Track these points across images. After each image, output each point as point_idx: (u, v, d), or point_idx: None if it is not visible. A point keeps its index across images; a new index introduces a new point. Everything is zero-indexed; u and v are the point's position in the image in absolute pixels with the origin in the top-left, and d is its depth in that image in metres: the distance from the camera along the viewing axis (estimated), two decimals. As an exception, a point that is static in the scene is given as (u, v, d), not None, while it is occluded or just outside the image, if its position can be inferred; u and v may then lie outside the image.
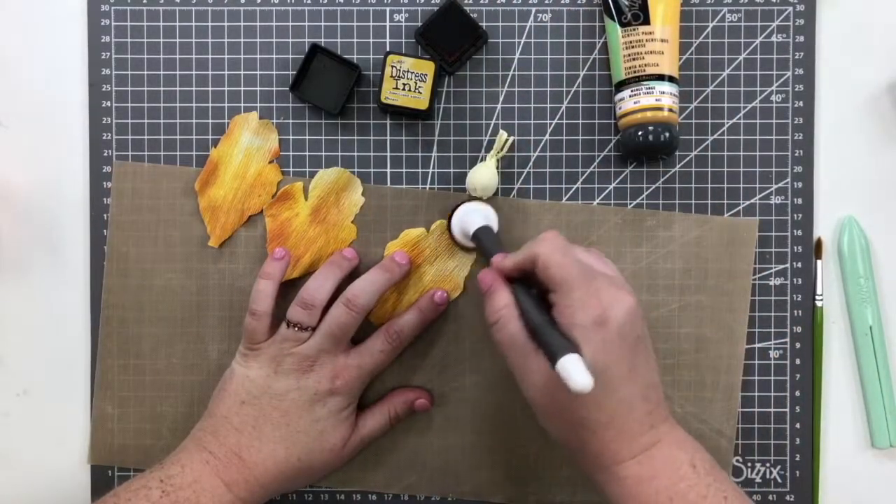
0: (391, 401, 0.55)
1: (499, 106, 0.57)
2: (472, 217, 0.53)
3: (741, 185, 0.56)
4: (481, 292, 0.48)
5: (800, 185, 0.57)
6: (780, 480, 0.57)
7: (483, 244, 0.51)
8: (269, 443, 0.50)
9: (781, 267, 0.57)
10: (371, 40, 0.57)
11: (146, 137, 0.57)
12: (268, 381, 0.51)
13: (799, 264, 0.57)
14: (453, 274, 0.56)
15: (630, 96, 0.54)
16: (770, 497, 0.57)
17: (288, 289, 0.56)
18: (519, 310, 0.45)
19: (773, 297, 0.57)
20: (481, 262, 0.56)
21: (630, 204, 0.56)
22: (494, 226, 0.53)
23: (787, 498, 0.57)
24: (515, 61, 0.56)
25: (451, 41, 0.54)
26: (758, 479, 0.57)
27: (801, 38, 0.56)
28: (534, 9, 0.56)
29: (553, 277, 0.44)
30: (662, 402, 0.45)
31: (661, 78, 0.53)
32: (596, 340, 0.42)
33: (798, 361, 0.57)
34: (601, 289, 0.43)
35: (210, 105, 0.57)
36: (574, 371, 0.39)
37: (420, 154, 0.57)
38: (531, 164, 0.57)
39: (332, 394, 0.51)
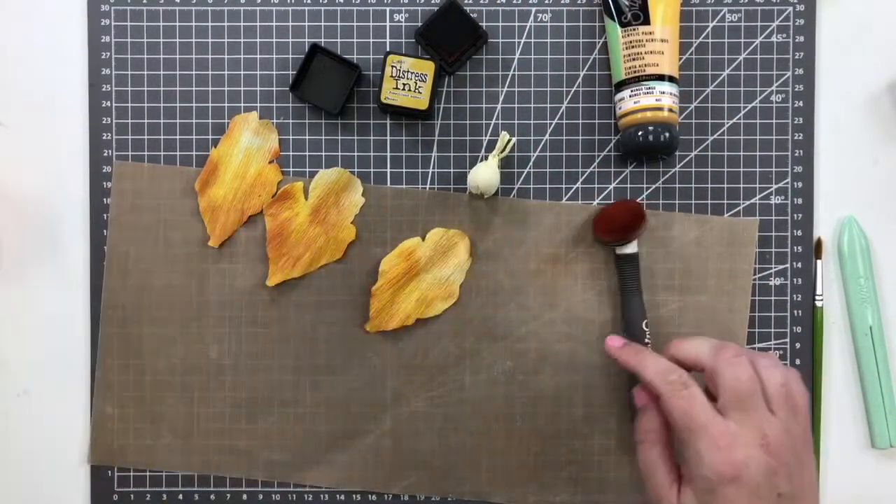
0: None
1: (499, 106, 0.57)
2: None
3: (741, 185, 0.56)
4: (634, 405, 0.49)
5: (800, 185, 0.57)
6: (780, 480, 0.57)
7: (625, 274, 0.54)
8: None
9: (781, 267, 0.57)
10: (371, 40, 0.57)
11: (146, 137, 0.57)
12: None
13: (799, 264, 0.57)
14: (449, 281, 0.56)
15: (630, 96, 0.54)
16: (770, 497, 0.57)
17: (288, 288, 0.56)
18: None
19: (773, 298, 0.57)
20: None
21: (630, 204, 0.57)
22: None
23: (787, 498, 0.57)
24: (515, 61, 0.56)
25: (451, 41, 0.54)
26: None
27: (801, 38, 0.56)
28: (534, 9, 0.56)
29: (677, 425, 0.43)
30: None
31: (661, 78, 0.53)
32: (727, 493, 0.41)
33: (798, 361, 0.57)
34: (735, 443, 0.42)
35: (210, 105, 0.57)
36: None
37: (420, 154, 0.57)
38: (531, 164, 0.57)
39: None
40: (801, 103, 0.56)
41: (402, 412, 0.57)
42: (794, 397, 0.43)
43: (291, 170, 0.57)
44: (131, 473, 0.57)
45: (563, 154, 0.57)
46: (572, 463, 0.56)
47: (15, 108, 0.57)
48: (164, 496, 0.57)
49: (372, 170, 0.57)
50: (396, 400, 0.57)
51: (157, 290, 0.57)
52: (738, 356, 0.44)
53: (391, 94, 0.53)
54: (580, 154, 0.57)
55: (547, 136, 0.57)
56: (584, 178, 0.57)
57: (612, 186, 0.57)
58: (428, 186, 0.57)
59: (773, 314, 0.57)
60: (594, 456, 0.56)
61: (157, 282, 0.57)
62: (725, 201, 0.56)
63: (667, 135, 0.53)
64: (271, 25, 0.57)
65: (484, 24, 0.56)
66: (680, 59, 0.56)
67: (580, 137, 0.57)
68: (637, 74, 0.53)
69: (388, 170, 0.57)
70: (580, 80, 0.57)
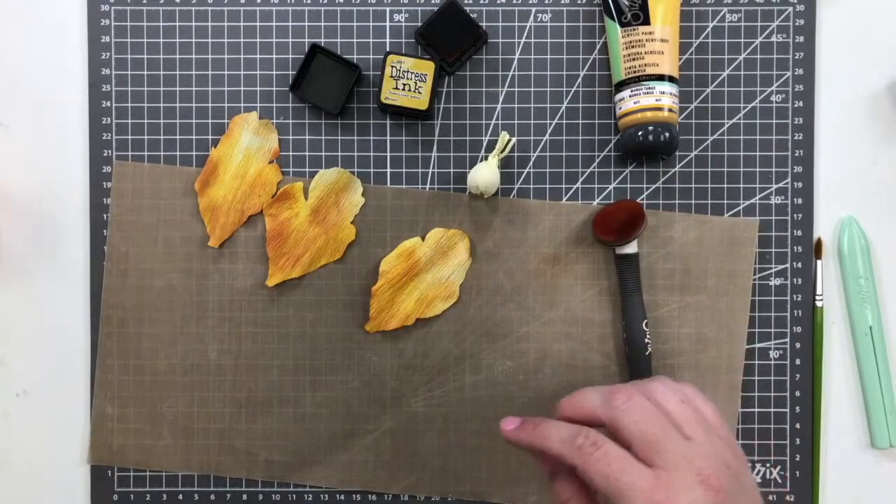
0: None
1: (499, 106, 0.57)
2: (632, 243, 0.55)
3: (741, 185, 0.56)
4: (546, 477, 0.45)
5: (800, 185, 0.57)
6: (780, 480, 0.57)
7: (625, 274, 0.55)
8: None
9: (781, 267, 0.57)
10: (371, 40, 0.57)
11: (146, 137, 0.57)
12: None
13: (799, 264, 0.57)
14: (449, 281, 0.56)
15: (630, 96, 0.54)
16: (770, 497, 0.57)
17: (288, 288, 0.56)
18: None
19: (773, 298, 0.57)
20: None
21: (630, 204, 0.57)
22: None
23: (787, 498, 0.57)
24: (515, 61, 0.56)
25: (451, 41, 0.54)
26: (758, 480, 0.57)
27: (801, 38, 0.56)
28: (534, 9, 0.56)
29: (605, 491, 0.38)
30: None
31: (661, 78, 0.53)
32: None
33: (798, 361, 0.57)
34: (672, 492, 0.37)
35: (210, 105, 0.57)
36: None
37: (420, 154, 0.57)
38: (531, 164, 0.57)
39: None
40: (801, 103, 0.56)
41: (401, 412, 0.57)
42: (701, 412, 0.41)
43: (291, 170, 0.57)
44: (131, 473, 0.57)
45: (563, 154, 0.57)
46: (572, 463, 0.56)
47: (15, 108, 0.57)
48: (164, 496, 0.57)
49: (372, 170, 0.57)
50: (396, 400, 0.57)
51: (156, 290, 0.57)
52: (629, 398, 0.40)
53: (391, 94, 0.53)
54: (580, 154, 0.57)
55: (547, 136, 0.57)
56: (584, 178, 0.57)
57: (612, 186, 0.57)
58: (428, 186, 0.57)
59: (773, 314, 0.57)
60: (594, 456, 0.56)
61: (157, 282, 0.57)
62: (725, 201, 0.56)
63: (667, 135, 0.53)
64: (271, 25, 0.57)
65: (484, 24, 0.56)
66: (680, 59, 0.56)
67: (580, 137, 0.57)
68: (637, 74, 0.53)
69: (388, 170, 0.57)
70: (580, 80, 0.57)
